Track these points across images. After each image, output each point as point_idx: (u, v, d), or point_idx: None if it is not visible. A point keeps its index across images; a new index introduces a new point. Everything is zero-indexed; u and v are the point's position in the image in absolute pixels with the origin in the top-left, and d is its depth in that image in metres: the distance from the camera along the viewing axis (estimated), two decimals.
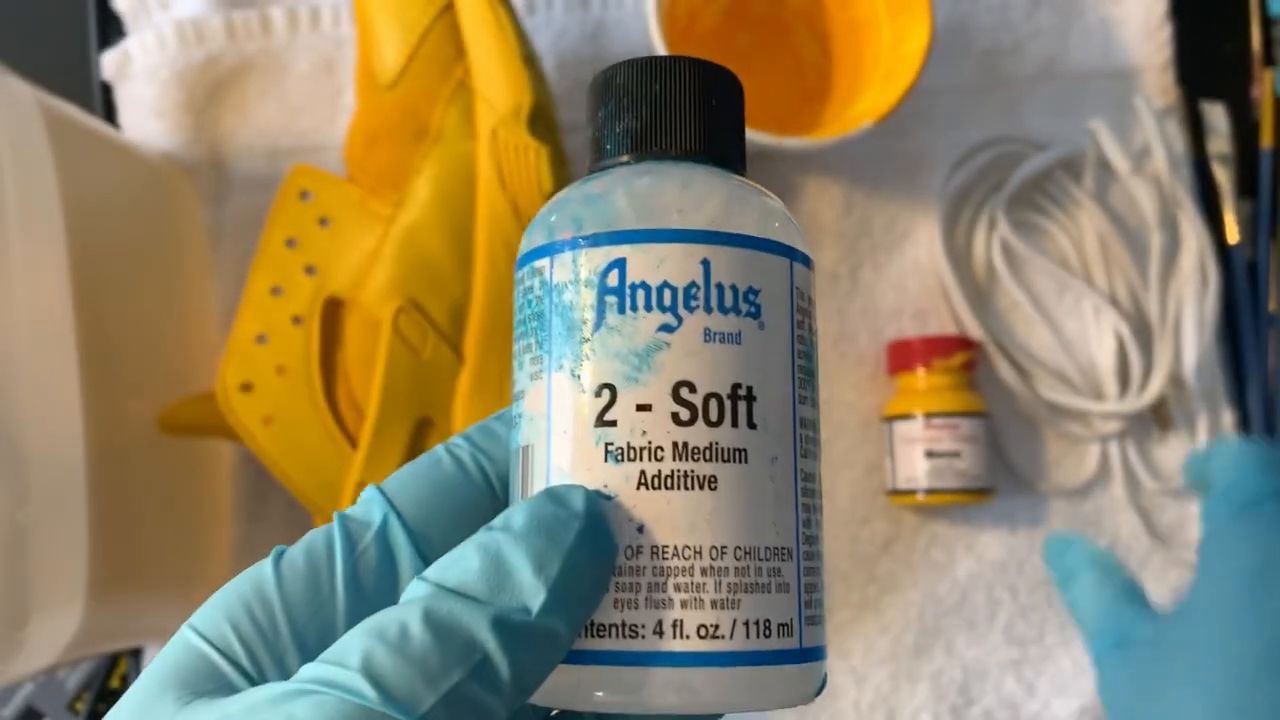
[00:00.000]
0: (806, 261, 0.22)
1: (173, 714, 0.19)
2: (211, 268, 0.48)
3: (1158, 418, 0.48)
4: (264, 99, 0.49)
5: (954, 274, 0.47)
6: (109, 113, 0.49)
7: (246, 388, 0.40)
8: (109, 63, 0.48)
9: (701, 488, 0.20)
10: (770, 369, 0.21)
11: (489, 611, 0.18)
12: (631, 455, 0.20)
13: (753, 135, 0.41)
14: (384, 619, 0.18)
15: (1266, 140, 0.50)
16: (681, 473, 0.20)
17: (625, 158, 0.23)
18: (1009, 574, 0.47)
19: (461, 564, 0.19)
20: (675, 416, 0.20)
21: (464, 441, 0.23)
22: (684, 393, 0.20)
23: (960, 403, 0.45)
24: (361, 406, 0.40)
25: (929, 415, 0.45)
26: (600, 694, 0.20)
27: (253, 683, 0.19)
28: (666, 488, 0.20)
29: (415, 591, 0.19)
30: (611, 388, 0.20)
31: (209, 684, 0.19)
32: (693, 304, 0.20)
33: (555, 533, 0.19)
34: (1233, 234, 0.49)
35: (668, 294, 0.20)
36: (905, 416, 0.46)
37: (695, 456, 0.20)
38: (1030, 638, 0.47)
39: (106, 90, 0.49)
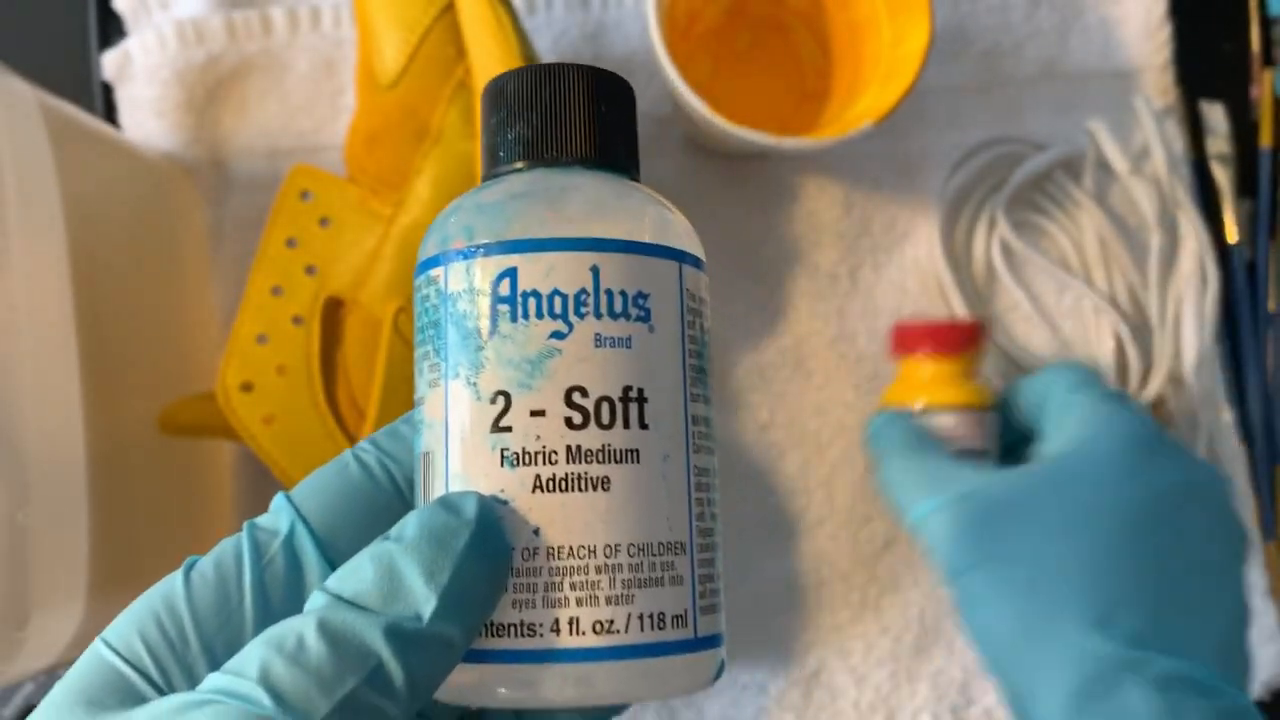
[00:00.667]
0: (697, 264, 0.23)
1: None
2: (212, 268, 0.48)
3: (1157, 417, 0.48)
4: (264, 99, 0.49)
5: (953, 274, 0.47)
6: (109, 113, 0.49)
7: (247, 387, 0.40)
8: (109, 63, 0.48)
9: (595, 489, 0.20)
10: (661, 370, 0.21)
11: (381, 621, 0.19)
12: (526, 460, 0.20)
13: (752, 135, 0.41)
14: (282, 630, 0.19)
15: (1265, 140, 0.50)
16: (575, 475, 0.20)
17: (518, 164, 0.23)
18: None
19: (357, 575, 0.19)
20: (568, 421, 0.20)
21: (371, 446, 0.23)
22: (576, 397, 0.20)
23: (965, 395, 0.42)
24: (362, 406, 0.40)
25: (930, 409, 0.41)
26: (502, 690, 0.20)
27: (161, 694, 0.20)
28: (561, 490, 0.20)
29: (314, 603, 0.19)
30: (506, 394, 0.20)
31: (118, 697, 0.20)
32: (583, 310, 0.21)
33: (445, 541, 0.19)
34: (1232, 234, 0.49)
35: (558, 301, 0.21)
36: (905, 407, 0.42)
37: (589, 459, 0.20)
38: None
39: (107, 90, 0.49)
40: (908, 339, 0.43)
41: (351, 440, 0.40)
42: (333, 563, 0.21)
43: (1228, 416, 0.47)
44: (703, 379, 0.23)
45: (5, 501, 0.32)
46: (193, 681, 0.20)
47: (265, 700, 0.18)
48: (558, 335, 0.21)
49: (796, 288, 0.48)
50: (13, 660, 0.33)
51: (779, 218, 0.49)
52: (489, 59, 0.40)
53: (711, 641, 0.22)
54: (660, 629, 0.20)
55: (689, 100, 0.40)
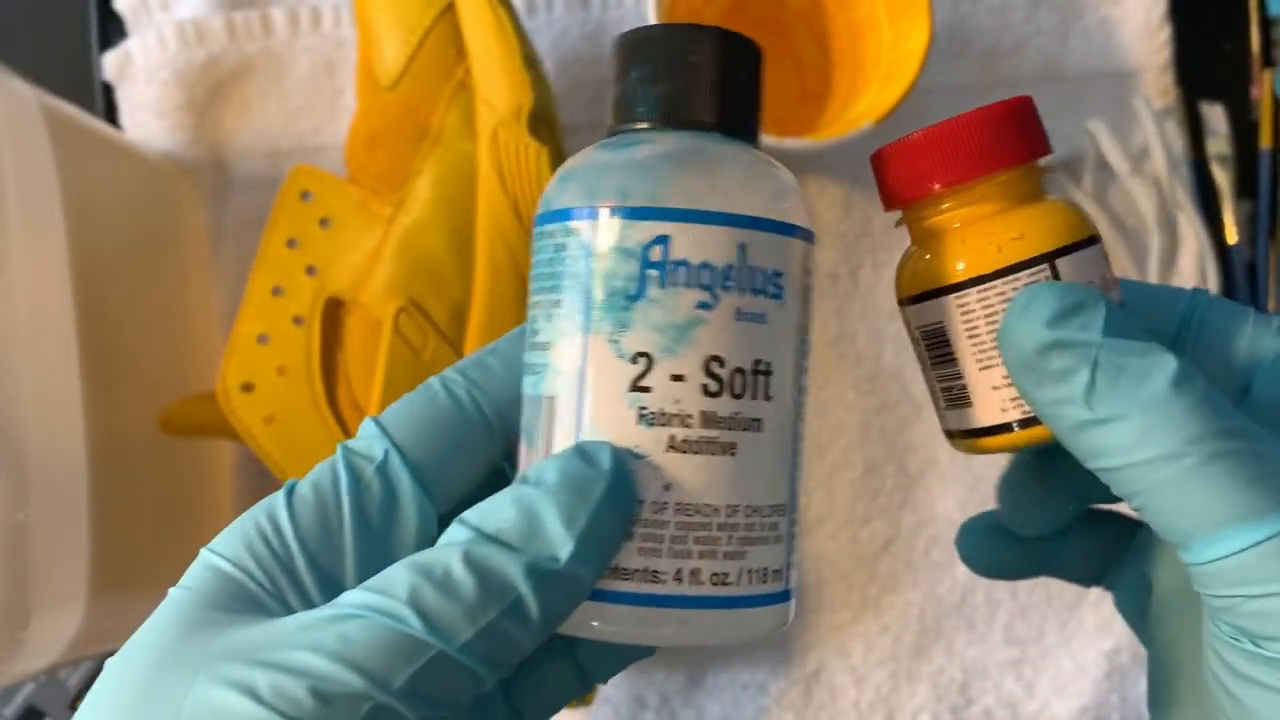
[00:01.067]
0: (811, 238, 0.24)
1: (219, 630, 0.20)
2: (212, 268, 0.48)
3: None
4: (265, 99, 0.49)
5: None
6: (110, 113, 0.49)
7: (247, 388, 0.40)
8: (110, 63, 0.49)
9: (723, 453, 0.22)
10: (784, 345, 0.23)
11: (522, 559, 0.20)
12: (663, 420, 0.21)
13: None
14: (428, 558, 0.20)
15: (1265, 141, 0.50)
16: (708, 439, 0.22)
17: (657, 124, 0.23)
18: None
19: (499, 513, 0.21)
20: (705, 388, 0.22)
21: (459, 376, 0.24)
22: (714, 366, 0.22)
23: (1053, 230, 0.23)
24: (362, 407, 0.40)
25: (996, 274, 0.23)
26: (616, 629, 0.22)
27: (279, 605, 0.21)
28: (694, 452, 0.22)
29: (456, 535, 0.21)
30: (649, 356, 0.21)
31: (244, 605, 0.21)
32: (729, 284, 0.22)
33: (584, 489, 0.21)
34: (1231, 235, 0.49)
35: (707, 274, 0.22)
36: (951, 289, 0.23)
37: (720, 425, 0.22)
38: (1030, 637, 0.47)
39: (107, 91, 0.49)
40: (914, 168, 0.25)
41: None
42: (425, 488, 0.23)
43: None
44: (808, 352, 0.24)
45: (6, 501, 0.32)
46: (303, 596, 0.21)
47: (415, 621, 0.19)
48: (704, 306, 0.22)
49: None
50: (14, 660, 0.33)
51: None
52: (489, 60, 0.40)
53: (793, 592, 0.24)
54: (764, 583, 0.22)
55: None
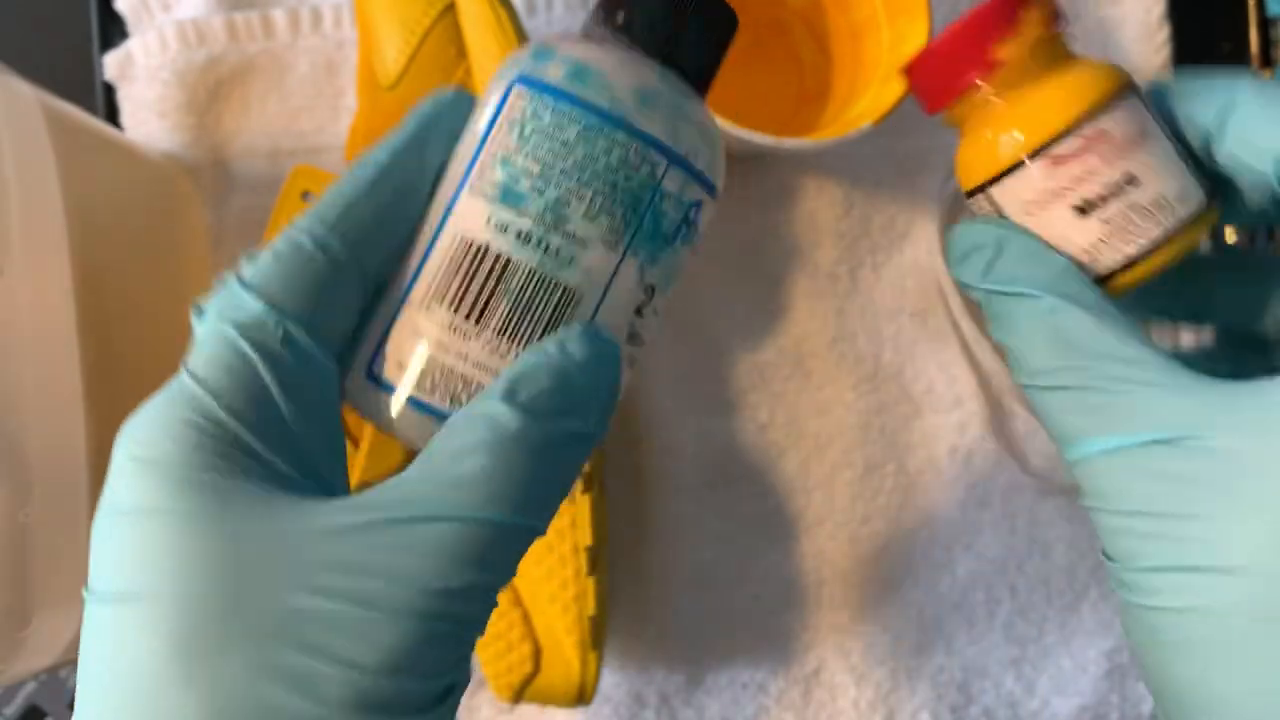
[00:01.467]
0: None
1: (252, 506, 0.21)
2: (213, 268, 0.48)
3: None
4: (265, 100, 0.49)
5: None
6: (111, 113, 0.49)
7: None
8: (111, 64, 0.49)
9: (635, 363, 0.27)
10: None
11: (567, 429, 0.23)
12: (636, 342, 0.25)
13: (752, 136, 0.41)
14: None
15: None
16: (634, 356, 0.26)
17: (697, 85, 0.26)
18: (1008, 573, 0.47)
19: (536, 383, 0.22)
20: (654, 319, 0.26)
21: (334, 238, 0.23)
22: (658, 303, 0.26)
23: (1090, 92, 0.25)
24: None
25: (1050, 143, 0.25)
26: None
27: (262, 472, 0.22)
28: (630, 366, 0.26)
29: (503, 417, 0.22)
30: (653, 290, 0.25)
31: (238, 459, 0.21)
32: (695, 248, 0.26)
33: (606, 364, 0.23)
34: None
35: (697, 241, 0.26)
36: (1007, 172, 0.26)
37: (637, 343, 0.26)
38: (1030, 636, 0.47)
39: (109, 91, 0.49)
40: (955, 48, 0.26)
41: (353, 439, 0.40)
42: (324, 348, 0.23)
43: None
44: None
45: (7, 501, 0.32)
46: (271, 471, 0.22)
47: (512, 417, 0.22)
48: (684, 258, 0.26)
49: (796, 288, 0.48)
50: (14, 660, 0.33)
51: (779, 218, 0.49)
52: (489, 60, 0.40)
53: None
54: None
55: None
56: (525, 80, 0.25)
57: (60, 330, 0.35)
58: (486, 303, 0.23)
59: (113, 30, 0.50)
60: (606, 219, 0.24)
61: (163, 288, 0.44)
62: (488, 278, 0.23)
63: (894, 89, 0.42)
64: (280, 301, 0.23)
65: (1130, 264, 0.25)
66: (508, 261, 0.23)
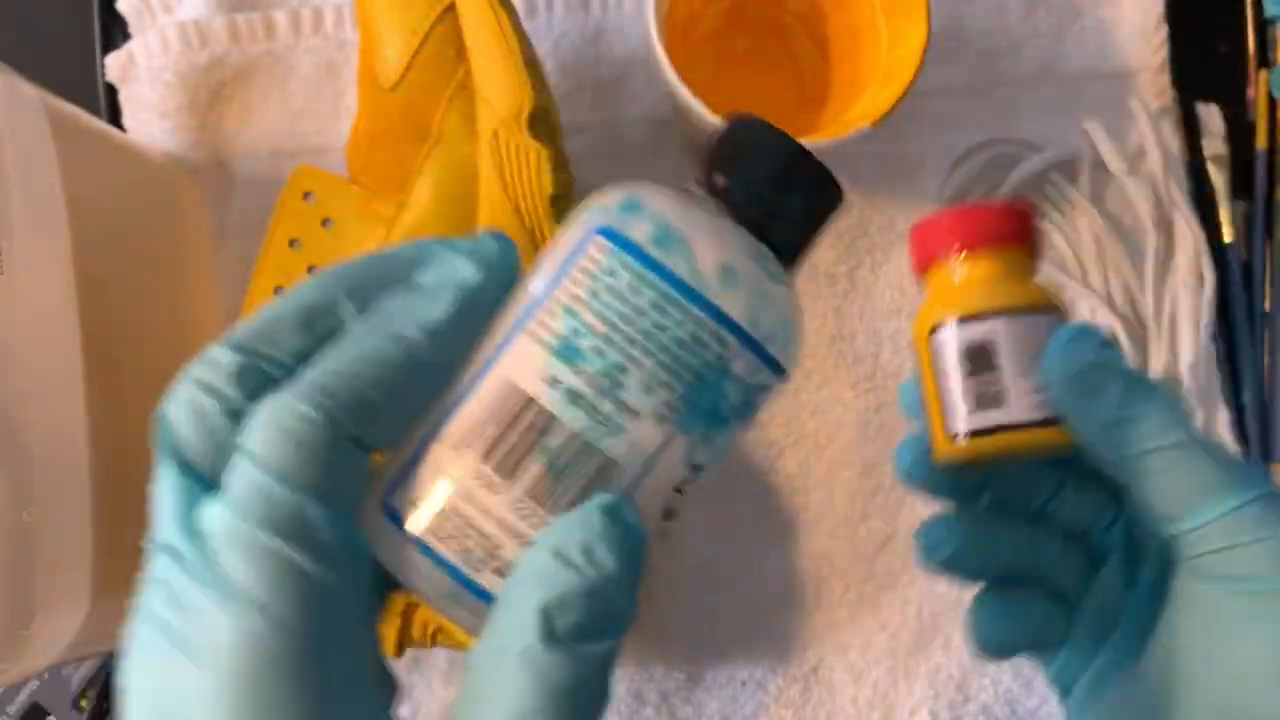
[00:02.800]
0: None
1: None
2: (215, 268, 0.48)
3: None
4: (267, 101, 0.49)
5: None
6: (113, 114, 0.49)
7: None
8: (113, 65, 0.49)
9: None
10: None
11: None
12: (670, 517, 0.24)
13: None
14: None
15: (1261, 142, 0.50)
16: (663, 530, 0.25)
17: (786, 260, 0.25)
18: None
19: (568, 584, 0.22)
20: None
21: (346, 422, 0.22)
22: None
23: (1005, 295, 0.29)
24: None
25: (965, 320, 0.29)
26: None
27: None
28: (665, 537, 0.25)
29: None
30: (700, 470, 0.24)
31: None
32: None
33: (637, 555, 0.22)
34: (1228, 234, 0.50)
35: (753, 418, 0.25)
36: (937, 329, 0.30)
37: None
38: None
39: (111, 92, 0.49)
40: (934, 237, 0.31)
41: None
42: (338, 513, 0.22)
43: (1224, 416, 0.48)
44: None
45: (10, 501, 0.32)
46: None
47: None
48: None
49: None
50: (17, 658, 0.33)
51: None
52: (489, 61, 0.40)
53: None
54: None
55: (689, 103, 0.41)
56: (608, 233, 0.23)
57: (62, 330, 0.35)
58: (521, 459, 0.22)
59: (115, 31, 0.50)
60: (664, 393, 0.22)
61: (164, 288, 0.45)
62: (527, 430, 0.22)
63: (892, 90, 0.42)
64: (308, 488, 0.21)
65: (976, 434, 0.29)
66: (552, 418, 0.22)
